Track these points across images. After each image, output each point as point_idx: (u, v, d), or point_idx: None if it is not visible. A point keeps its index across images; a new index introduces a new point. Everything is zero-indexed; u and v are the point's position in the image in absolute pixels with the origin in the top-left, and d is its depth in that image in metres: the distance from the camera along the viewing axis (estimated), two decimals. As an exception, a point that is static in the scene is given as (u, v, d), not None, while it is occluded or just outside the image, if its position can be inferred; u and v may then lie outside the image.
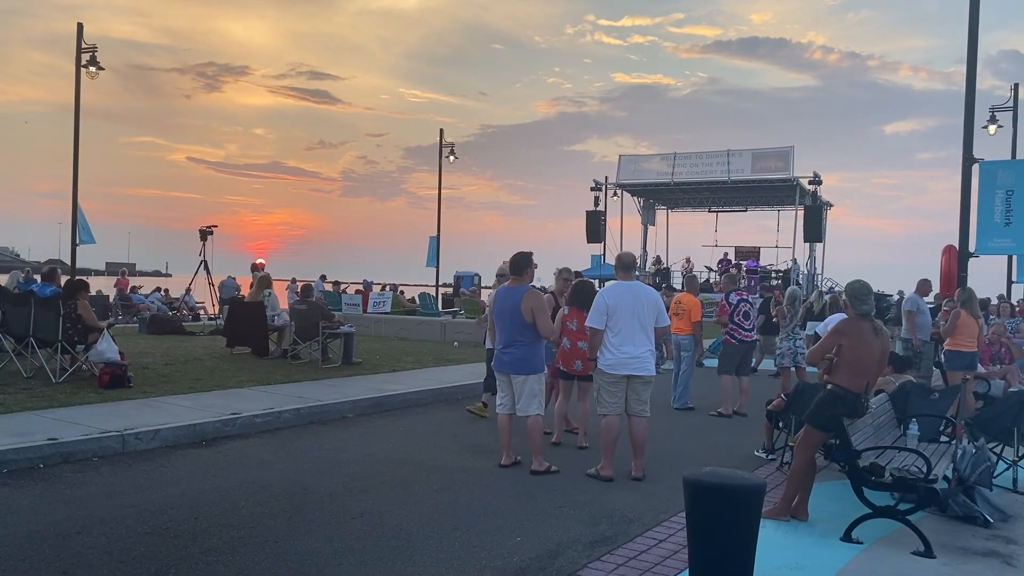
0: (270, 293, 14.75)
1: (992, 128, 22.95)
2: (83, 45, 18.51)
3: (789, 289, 11.89)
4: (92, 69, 18.54)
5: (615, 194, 37.56)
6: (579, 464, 7.38)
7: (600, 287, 8.64)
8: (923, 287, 13.08)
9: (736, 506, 3.83)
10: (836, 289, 27.23)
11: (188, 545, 4.87)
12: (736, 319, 10.73)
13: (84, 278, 13.23)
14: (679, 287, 26.95)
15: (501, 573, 4.63)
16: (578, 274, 10.04)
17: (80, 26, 18.54)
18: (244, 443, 7.84)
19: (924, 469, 5.39)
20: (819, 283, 34.14)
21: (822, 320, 12.49)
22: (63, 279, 12.78)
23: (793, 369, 11.00)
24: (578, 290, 8.42)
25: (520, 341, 7.07)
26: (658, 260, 38.94)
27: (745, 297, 10.98)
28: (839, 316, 9.47)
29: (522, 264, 7.30)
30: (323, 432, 8.54)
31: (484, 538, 5.22)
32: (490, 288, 27.87)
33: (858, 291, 5.79)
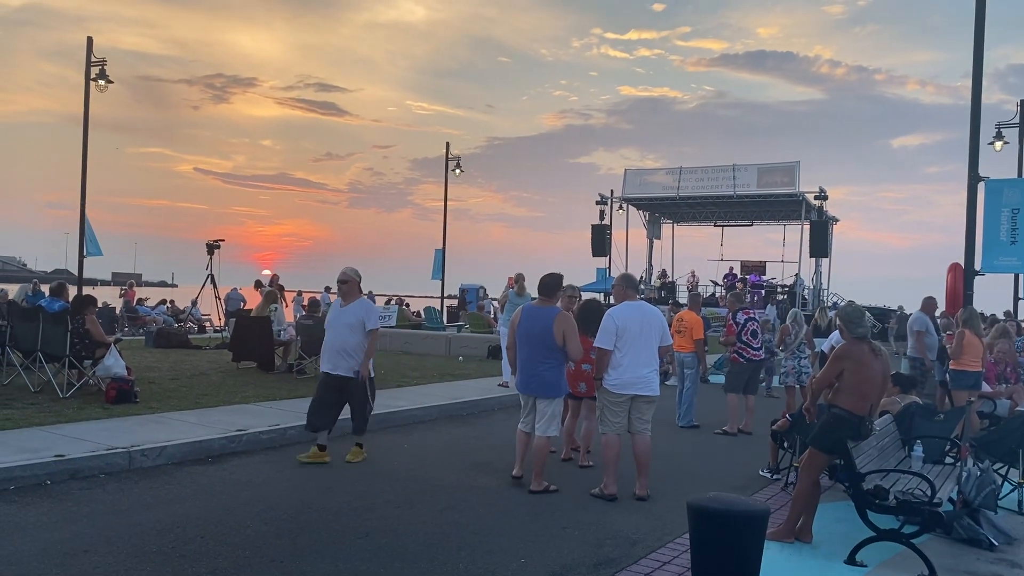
0: (276, 308, 14.81)
1: (998, 144, 22.94)
2: (92, 59, 18.65)
3: (791, 311, 11.94)
4: (101, 82, 18.68)
5: (620, 208, 37.64)
6: (583, 483, 7.39)
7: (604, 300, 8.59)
8: (929, 305, 13.08)
9: (740, 532, 3.85)
10: (840, 304, 27.23)
11: (194, 565, 4.89)
12: (744, 338, 10.74)
13: (91, 292, 13.33)
14: (685, 301, 26.91)
15: (505, 595, 4.64)
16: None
17: (90, 40, 18.70)
18: (250, 460, 7.86)
19: (928, 492, 5.39)
20: (824, 298, 34.13)
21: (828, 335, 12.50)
22: (71, 292, 12.86)
23: (798, 387, 11.01)
24: (586, 313, 8.41)
25: (549, 363, 7.10)
26: (663, 274, 38.98)
27: (752, 315, 10.99)
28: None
29: (553, 287, 7.33)
30: (328, 449, 8.55)
31: (489, 559, 5.23)
32: (495, 299, 27.90)
33: (851, 315, 5.84)
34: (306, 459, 7.78)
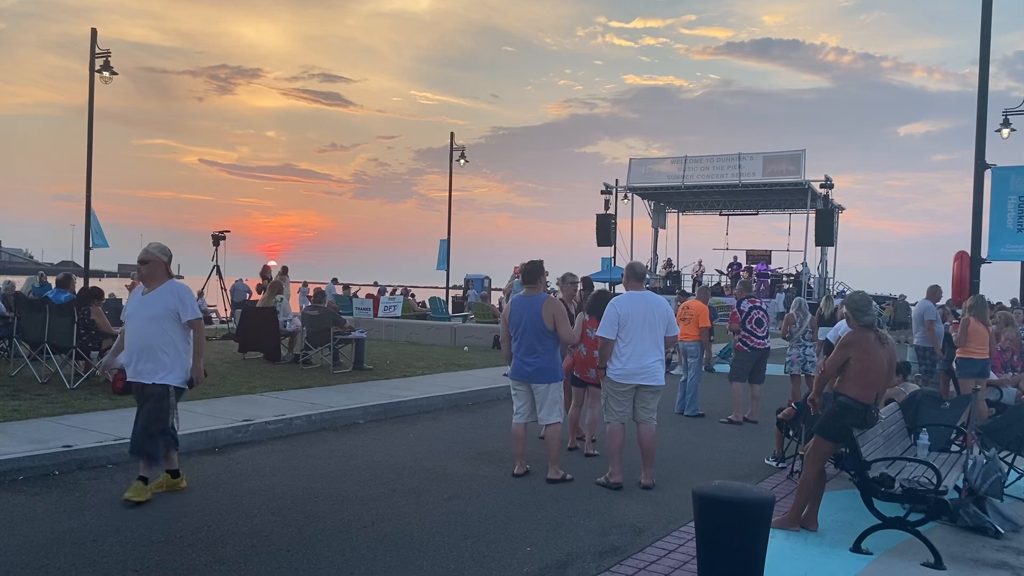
0: (282, 299, 14.84)
1: (1005, 132, 22.77)
2: (96, 50, 18.64)
3: (795, 299, 11.91)
4: (105, 74, 18.67)
5: (625, 197, 37.60)
6: (588, 472, 7.40)
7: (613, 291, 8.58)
8: (935, 293, 13.04)
9: (745, 520, 3.85)
10: (847, 292, 27.19)
11: (201, 554, 4.92)
12: (748, 326, 10.72)
13: (98, 283, 13.37)
14: (691, 290, 26.87)
15: (511, 584, 4.66)
16: (585, 279, 10.07)
17: (94, 31, 18.67)
18: (256, 450, 7.90)
19: (934, 480, 5.39)
20: (830, 287, 34.09)
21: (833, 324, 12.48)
22: (78, 284, 12.90)
23: (803, 376, 10.99)
24: (598, 300, 8.45)
25: (541, 349, 7.10)
26: (669, 263, 38.97)
27: (758, 304, 10.96)
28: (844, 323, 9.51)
29: (535, 273, 7.33)
30: (334, 439, 8.59)
31: (494, 548, 5.25)
32: (500, 290, 27.94)
33: (858, 303, 5.83)
34: (132, 497, 5.87)
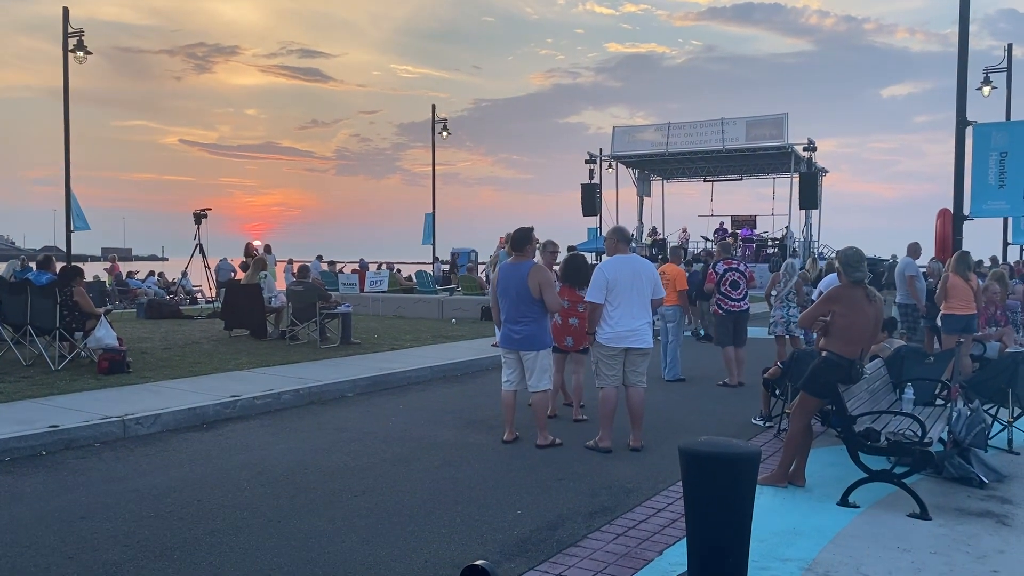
0: (266, 275, 14.76)
1: (986, 90, 22.87)
2: (69, 29, 18.36)
3: (786, 261, 11.90)
4: (79, 54, 18.40)
5: (610, 166, 37.39)
6: (577, 437, 7.43)
7: (596, 260, 8.54)
8: (915, 250, 13.09)
9: (731, 474, 3.86)
10: (829, 256, 27.24)
11: (192, 527, 4.92)
12: (723, 289, 10.69)
13: (79, 264, 13.26)
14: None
15: (502, 545, 4.69)
16: (571, 248, 10.04)
17: (66, 10, 18.39)
18: (245, 425, 7.88)
19: (919, 433, 5.44)
20: (815, 250, 34.18)
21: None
22: (59, 266, 12.78)
23: (788, 337, 11.03)
24: (569, 267, 8.41)
25: (528, 317, 7.09)
26: (654, 231, 38.92)
27: (734, 266, 10.89)
28: (832, 278, 9.55)
29: (523, 240, 7.30)
30: (323, 412, 8.59)
31: (485, 511, 5.27)
32: (484, 263, 27.92)
33: (851, 258, 5.80)
34: None
